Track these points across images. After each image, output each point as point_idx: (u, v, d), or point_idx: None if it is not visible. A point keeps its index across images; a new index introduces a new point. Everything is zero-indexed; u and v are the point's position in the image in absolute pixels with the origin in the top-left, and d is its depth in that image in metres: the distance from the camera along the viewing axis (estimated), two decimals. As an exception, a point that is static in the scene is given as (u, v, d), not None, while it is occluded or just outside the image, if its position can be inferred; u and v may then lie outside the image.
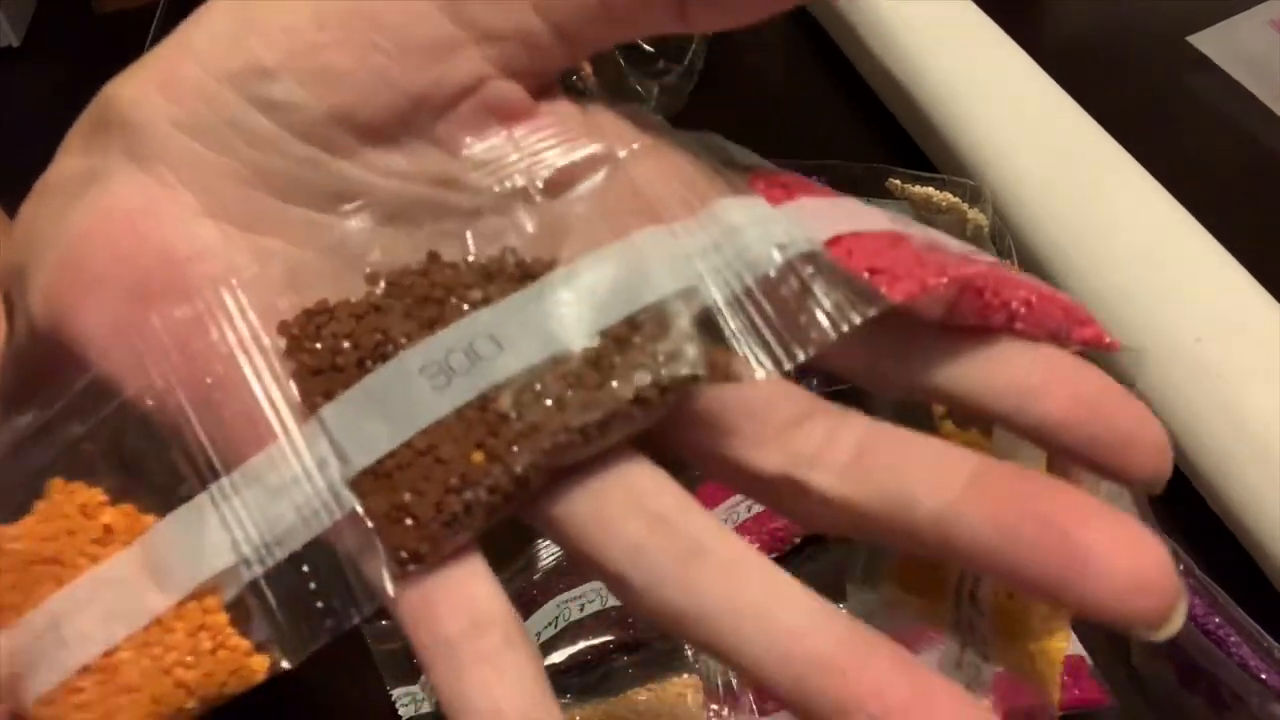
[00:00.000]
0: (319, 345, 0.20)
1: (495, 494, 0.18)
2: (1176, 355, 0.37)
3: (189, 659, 0.19)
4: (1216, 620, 0.32)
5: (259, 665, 0.19)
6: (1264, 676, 0.31)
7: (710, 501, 0.38)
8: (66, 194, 0.21)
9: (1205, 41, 0.53)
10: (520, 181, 0.20)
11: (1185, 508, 0.38)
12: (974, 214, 0.42)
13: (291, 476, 0.19)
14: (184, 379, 0.20)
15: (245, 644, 0.19)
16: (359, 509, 0.19)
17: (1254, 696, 0.31)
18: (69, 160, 0.21)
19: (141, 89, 0.20)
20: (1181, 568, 0.32)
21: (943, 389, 0.20)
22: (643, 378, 0.19)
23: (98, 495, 0.20)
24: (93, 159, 0.21)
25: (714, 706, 0.34)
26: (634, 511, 0.19)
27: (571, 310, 0.19)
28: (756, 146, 0.22)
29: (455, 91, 0.20)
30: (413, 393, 0.19)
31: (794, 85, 0.56)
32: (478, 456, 0.19)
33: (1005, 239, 0.41)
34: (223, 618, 0.19)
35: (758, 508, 0.38)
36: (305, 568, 0.19)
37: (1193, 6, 0.55)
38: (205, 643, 0.19)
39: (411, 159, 0.20)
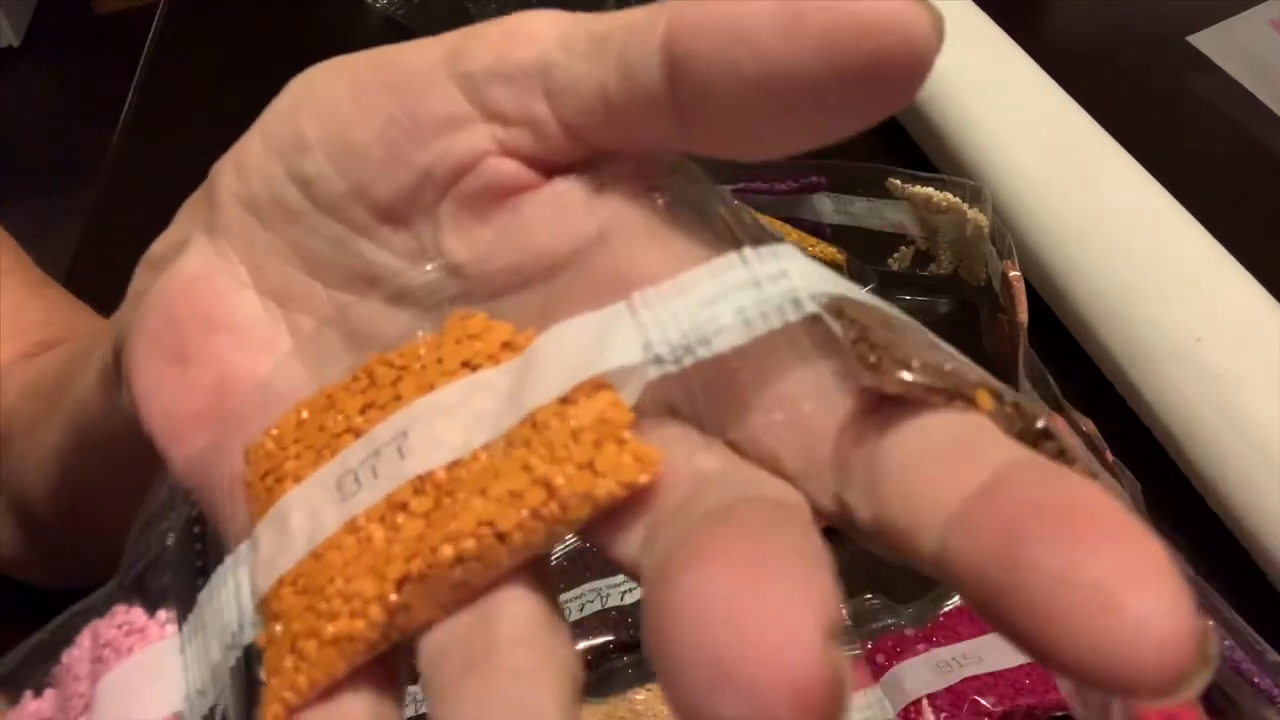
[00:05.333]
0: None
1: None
2: (1176, 355, 0.37)
3: None
4: (1209, 623, 0.32)
5: None
6: (1256, 680, 0.31)
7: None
8: (163, 261, 0.22)
9: (1205, 41, 0.53)
10: (516, 264, 0.19)
11: (1185, 508, 0.38)
12: (974, 214, 0.42)
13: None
14: (197, 469, 0.20)
15: None
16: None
17: (1246, 700, 0.31)
18: (173, 229, 0.22)
19: (226, 162, 0.21)
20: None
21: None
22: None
23: None
24: (186, 229, 0.22)
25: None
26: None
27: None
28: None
29: (456, 165, 0.19)
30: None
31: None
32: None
33: (1005, 239, 0.41)
34: None
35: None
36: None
37: (1193, 6, 0.55)
38: None
39: (420, 241, 0.20)
